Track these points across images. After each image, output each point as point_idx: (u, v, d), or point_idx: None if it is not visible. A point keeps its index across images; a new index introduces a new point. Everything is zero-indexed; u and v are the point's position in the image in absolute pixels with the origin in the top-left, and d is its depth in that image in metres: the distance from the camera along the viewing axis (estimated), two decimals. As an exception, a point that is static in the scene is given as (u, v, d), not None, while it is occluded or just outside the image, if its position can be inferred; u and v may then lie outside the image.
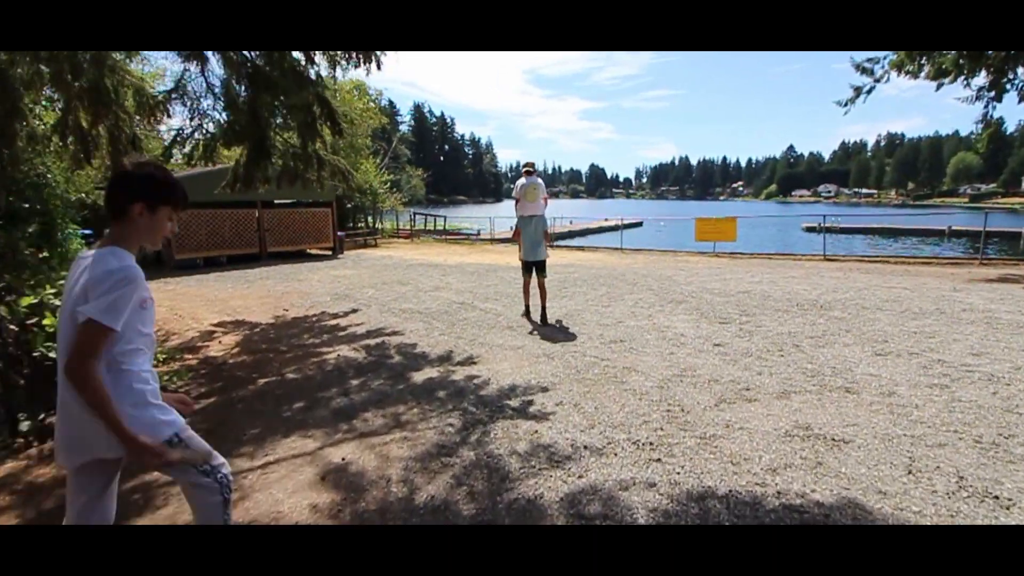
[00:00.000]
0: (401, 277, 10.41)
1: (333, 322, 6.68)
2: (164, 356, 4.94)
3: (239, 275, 11.37)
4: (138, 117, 6.72)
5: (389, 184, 24.45)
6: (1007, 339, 4.86)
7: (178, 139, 5.69)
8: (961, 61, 11.77)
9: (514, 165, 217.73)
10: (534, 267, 6.21)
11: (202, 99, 5.18)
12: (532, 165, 6.49)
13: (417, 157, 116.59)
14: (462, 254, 15.58)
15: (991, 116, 12.44)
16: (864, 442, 2.92)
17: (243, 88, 5.17)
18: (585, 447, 2.98)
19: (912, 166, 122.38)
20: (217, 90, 5.12)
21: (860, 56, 15.03)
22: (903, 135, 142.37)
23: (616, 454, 2.90)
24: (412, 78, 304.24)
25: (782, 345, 4.94)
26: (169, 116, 6.55)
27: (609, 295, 7.84)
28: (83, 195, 15.97)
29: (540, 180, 6.30)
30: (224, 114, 5.27)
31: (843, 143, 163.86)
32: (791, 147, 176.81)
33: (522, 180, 6.28)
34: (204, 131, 5.45)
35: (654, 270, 10.73)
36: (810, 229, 36.10)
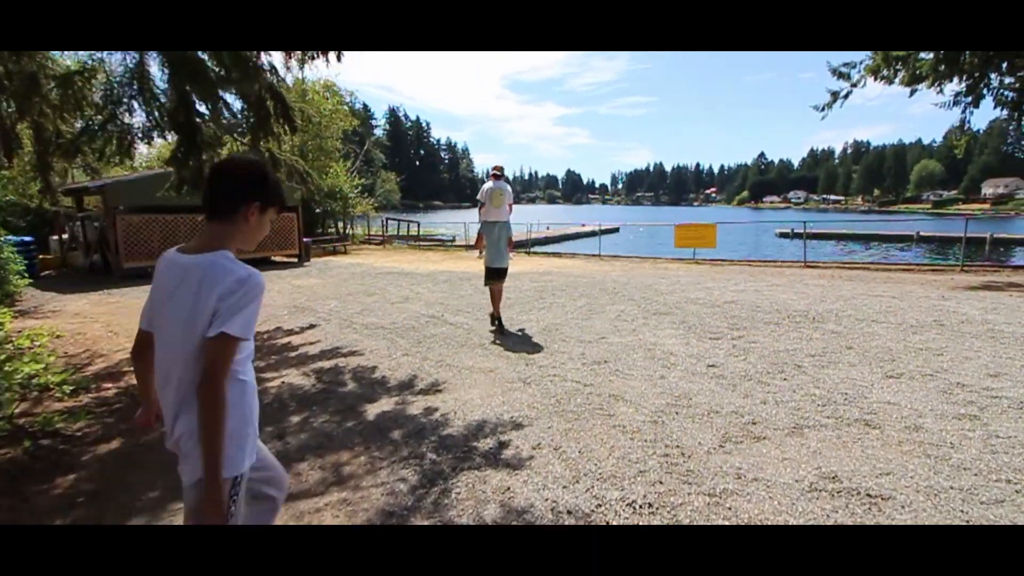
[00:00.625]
0: (368, 287, 9.71)
1: (285, 340, 5.96)
2: (71, 389, 4.16)
3: (191, 285, 10.48)
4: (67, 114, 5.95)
5: (360, 188, 23.60)
6: (1021, 357, 4.48)
7: (86, 132, 4.91)
8: (940, 67, 11.69)
9: (490, 170, 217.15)
10: (498, 274, 5.96)
11: (117, 85, 4.43)
12: (500, 169, 6.14)
13: (392, 161, 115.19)
14: (435, 261, 14.93)
15: (968, 122, 12.42)
16: (907, 499, 2.41)
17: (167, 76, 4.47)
18: (569, 512, 2.39)
19: (878, 173, 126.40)
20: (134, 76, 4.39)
21: (837, 61, 15.00)
22: (869, 143, 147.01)
23: (608, 522, 2.32)
24: (388, 82, 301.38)
25: (782, 365, 4.46)
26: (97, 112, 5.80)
27: (589, 306, 7.30)
28: (21, 198, 14.81)
29: (507, 185, 6.03)
30: (138, 102, 4.54)
31: (812, 150, 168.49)
32: (762, 154, 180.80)
33: (488, 184, 5.96)
34: (119, 123, 4.71)
35: (634, 278, 10.27)
36: (783, 235, 36.56)
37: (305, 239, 15.75)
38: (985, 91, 11.46)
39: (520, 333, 5.87)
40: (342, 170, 22.66)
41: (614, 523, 2.31)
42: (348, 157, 25.20)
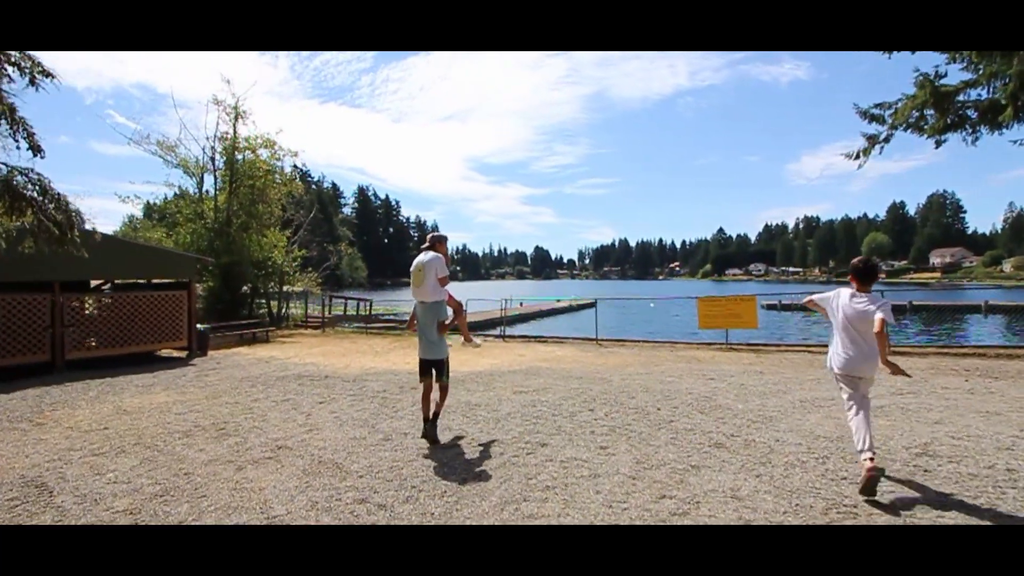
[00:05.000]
0: (238, 414, 5.71)
1: None
2: None
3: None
4: None
5: (301, 260, 19.84)
6: None
7: None
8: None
9: (460, 248, 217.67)
10: (432, 368, 4.51)
11: None
12: (435, 238, 4.68)
13: (361, 240, 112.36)
14: (379, 352, 11.02)
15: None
16: None
17: None
18: None
19: (831, 245, 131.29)
20: None
21: (866, 101, 12.69)
22: (818, 218, 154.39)
23: None
24: (360, 164, 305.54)
25: None
26: None
27: (644, 471, 3.55)
28: None
29: (436, 257, 4.53)
30: None
31: (767, 225, 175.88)
32: (720, 229, 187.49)
33: (418, 256, 4.61)
34: None
35: (672, 382, 6.65)
36: (770, 307, 34.39)
37: (202, 326, 11.67)
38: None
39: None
40: (279, 239, 19.00)
41: None
42: (289, 225, 21.64)
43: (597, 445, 4.12)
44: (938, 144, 12.07)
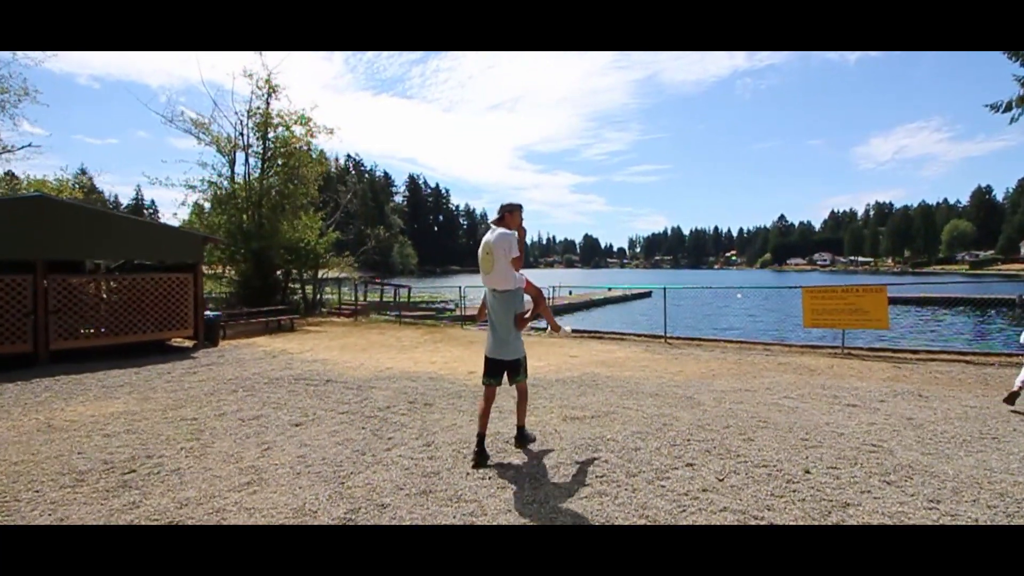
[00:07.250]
0: (182, 438, 4.13)
1: None
2: None
3: None
4: None
5: (333, 239, 18.55)
6: None
7: None
8: None
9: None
10: (505, 370, 3.66)
11: None
12: (503, 208, 3.67)
13: (411, 227, 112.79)
14: (405, 347, 9.40)
15: None
16: None
17: None
18: None
19: (906, 234, 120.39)
20: None
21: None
22: (892, 204, 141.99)
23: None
24: (411, 154, 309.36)
25: None
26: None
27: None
28: None
29: (506, 232, 3.55)
30: None
31: (832, 212, 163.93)
32: (782, 216, 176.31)
33: (486, 235, 3.69)
34: None
35: (796, 408, 4.54)
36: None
37: (212, 313, 10.42)
38: None
39: None
40: (314, 220, 17.81)
41: None
42: (326, 205, 20.48)
43: None
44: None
